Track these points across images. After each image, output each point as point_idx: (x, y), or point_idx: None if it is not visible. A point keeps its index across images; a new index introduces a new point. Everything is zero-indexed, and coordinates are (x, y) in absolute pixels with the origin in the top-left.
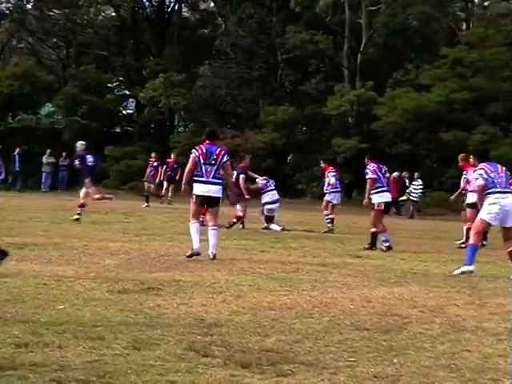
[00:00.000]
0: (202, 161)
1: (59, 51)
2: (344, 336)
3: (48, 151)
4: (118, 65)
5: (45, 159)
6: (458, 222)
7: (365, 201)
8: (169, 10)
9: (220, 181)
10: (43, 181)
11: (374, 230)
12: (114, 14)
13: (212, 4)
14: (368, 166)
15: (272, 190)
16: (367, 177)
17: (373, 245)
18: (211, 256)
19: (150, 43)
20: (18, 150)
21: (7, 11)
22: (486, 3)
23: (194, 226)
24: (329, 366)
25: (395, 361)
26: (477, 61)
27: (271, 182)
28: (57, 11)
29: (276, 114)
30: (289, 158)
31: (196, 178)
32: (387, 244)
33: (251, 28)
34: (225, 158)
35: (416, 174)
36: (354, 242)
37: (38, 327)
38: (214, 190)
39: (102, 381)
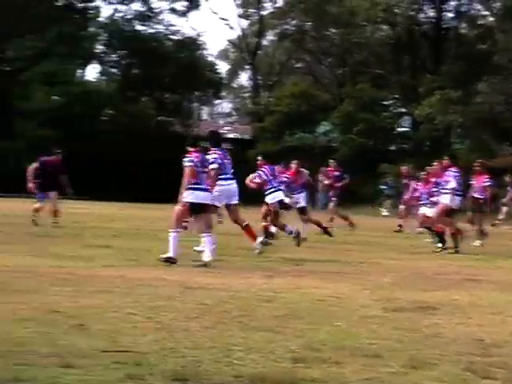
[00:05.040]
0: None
1: (335, 70)
2: None
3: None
4: (394, 82)
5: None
6: None
7: None
8: (446, 26)
9: None
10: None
11: None
12: (390, 31)
13: (491, 19)
14: None
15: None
16: None
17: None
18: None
19: (426, 60)
20: None
21: (288, 31)
22: None
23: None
24: None
25: None
26: None
27: None
28: (334, 31)
29: None
30: None
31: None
32: None
33: None
34: None
35: None
36: None
37: (316, 343)
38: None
39: None
